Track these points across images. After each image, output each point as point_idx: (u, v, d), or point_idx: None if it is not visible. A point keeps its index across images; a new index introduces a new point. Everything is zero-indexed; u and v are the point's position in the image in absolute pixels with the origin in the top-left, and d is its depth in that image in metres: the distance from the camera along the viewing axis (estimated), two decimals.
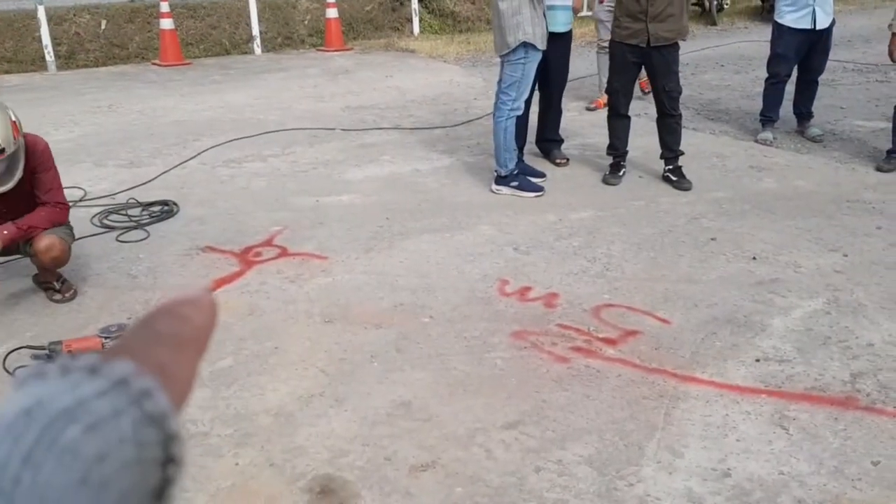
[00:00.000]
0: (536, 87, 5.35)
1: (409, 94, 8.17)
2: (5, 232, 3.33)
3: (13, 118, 3.30)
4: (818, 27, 5.69)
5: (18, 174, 3.33)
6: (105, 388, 0.23)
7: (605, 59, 6.44)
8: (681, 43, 5.01)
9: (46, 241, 3.41)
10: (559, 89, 5.65)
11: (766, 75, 6.12)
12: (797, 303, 3.52)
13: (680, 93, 5.06)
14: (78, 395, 0.23)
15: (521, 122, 5.14)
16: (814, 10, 5.65)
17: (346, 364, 3.09)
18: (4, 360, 3.06)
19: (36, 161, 3.41)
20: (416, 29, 12.33)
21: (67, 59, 10.16)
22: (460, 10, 12.99)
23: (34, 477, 0.21)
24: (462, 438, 2.63)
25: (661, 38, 4.85)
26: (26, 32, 10.27)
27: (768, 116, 6.14)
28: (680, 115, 5.10)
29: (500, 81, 4.97)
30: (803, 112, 6.21)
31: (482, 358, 3.11)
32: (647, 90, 6.69)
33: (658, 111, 5.16)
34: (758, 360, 3.06)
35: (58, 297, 3.61)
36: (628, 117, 5.26)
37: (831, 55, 6.14)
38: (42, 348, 3.10)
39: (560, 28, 5.26)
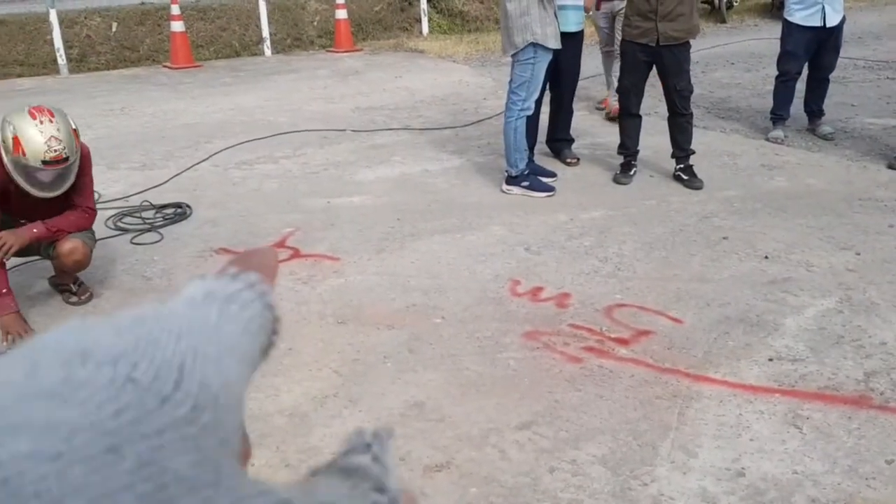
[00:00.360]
0: (547, 87, 5.35)
1: (418, 94, 8.18)
2: (35, 230, 3.36)
3: (73, 125, 3.33)
4: (828, 25, 5.67)
5: (71, 180, 3.36)
6: (244, 287, 0.37)
7: (609, 60, 6.64)
8: (691, 41, 5.01)
9: (70, 245, 3.44)
10: (570, 89, 5.65)
11: (776, 73, 6.11)
12: (810, 302, 3.52)
13: (691, 92, 5.06)
14: (230, 288, 0.37)
15: (532, 121, 5.14)
16: (823, 7, 5.63)
17: (360, 365, 3.11)
18: None
19: (80, 165, 3.44)
20: (426, 29, 12.35)
21: (79, 62, 10.23)
22: (469, 9, 13.00)
23: (224, 326, 0.34)
24: (475, 439, 2.64)
25: (671, 37, 4.85)
26: (38, 35, 10.35)
27: (779, 114, 6.13)
28: (691, 114, 5.10)
29: (510, 81, 4.99)
30: (814, 110, 6.19)
31: (494, 358, 3.12)
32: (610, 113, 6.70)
33: (669, 110, 5.16)
34: (771, 360, 3.06)
35: (74, 299, 3.64)
36: (640, 116, 5.26)
37: (842, 52, 6.12)
38: None
39: (571, 28, 5.26)
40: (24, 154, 3.17)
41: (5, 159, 3.21)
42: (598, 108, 7.14)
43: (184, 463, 0.28)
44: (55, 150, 3.20)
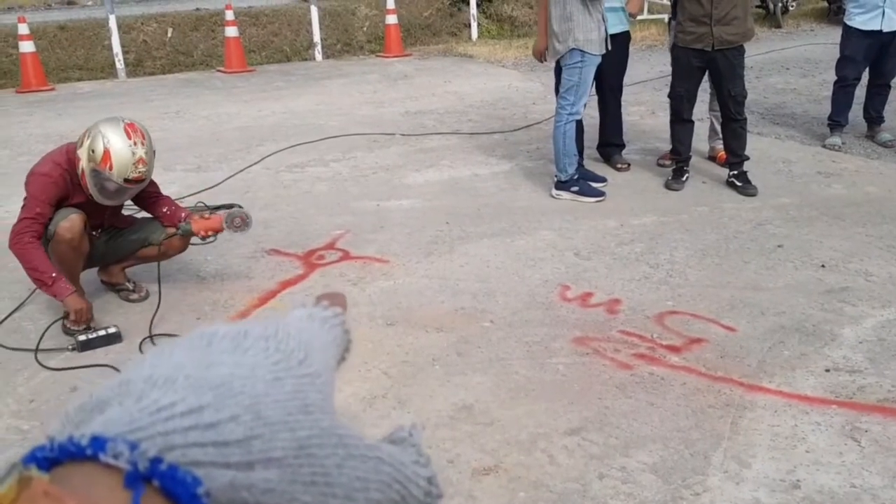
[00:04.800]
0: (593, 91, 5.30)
1: (467, 98, 8.20)
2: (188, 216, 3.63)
3: (154, 148, 3.43)
4: (888, 29, 5.53)
5: (133, 194, 3.48)
6: (332, 315, 0.56)
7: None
8: (745, 46, 4.92)
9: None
10: (616, 92, 5.60)
11: (833, 79, 5.98)
12: (868, 312, 3.43)
13: (745, 97, 4.97)
14: (324, 314, 0.57)
15: (580, 126, 5.11)
16: (883, 11, 5.50)
17: (409, 366, 3.12)
18: (80, 345, 3.26)
19: None
20: (475, 34, 12.37)
21: (136, 67, 10.48)
22: (518, 14, 13.00)
23: (322, 335, 0.52)
24: (524, 443, 2.63)
25: (726, 41, 4.78)
26: (96, 41, 10.65)
27: (836, 121, 5.99)
28: (745, 120, 5.01)
29: (559, 86, 4.97)
30: (874, 116, 6.04)
31: (544, 363, 3.11)
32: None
33: (722, 115, 5.08)
34: (827, 371, 2.98)
35: (135, 296, 3.74)
36: (692, 122, 5.19)
37: None
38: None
39: (614, 28, 5.21)
40: (110, 168, 3.22)
41: (84, 165, 3.27)
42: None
43: (317, 397, 0.43)
44: (139, 172, 3.27)
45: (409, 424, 0.55)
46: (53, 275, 3.25)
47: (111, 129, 3.26)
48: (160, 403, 0.35)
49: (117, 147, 3.22)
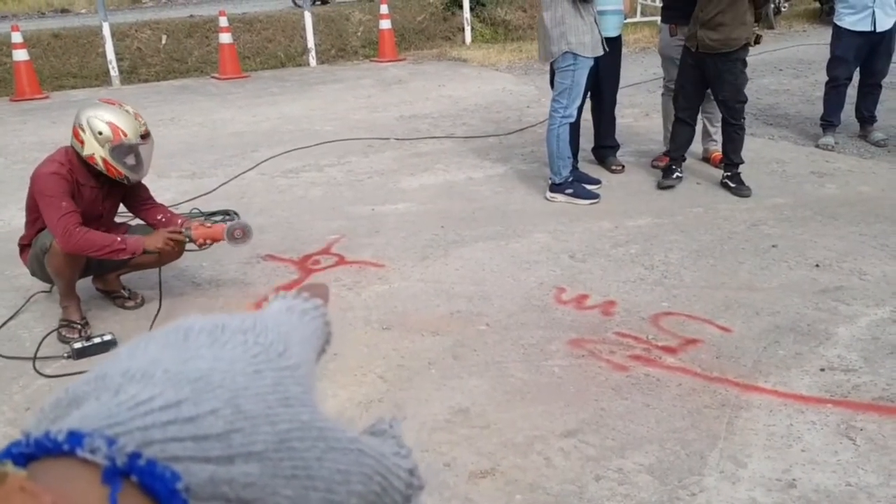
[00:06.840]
0: (588, 94, 5.31)
1: (461, 102, 8.21)
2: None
3: None
4: (879, 29, 5.57)
5: (147, 168, 3.51)
6: (312, 307, 0.55)
7: (671, 105, 5.40)
8: (742, 53, 4.86)
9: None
10: (611, 95, 5.61)
11: (826, 79, 6.00)
12: (863, 311, 3.44)
13: (740, 102, 4.90)
14: (304, 306, 0.55)
15: (573, 129, 5.12)
16: (873, 11, 5.52)
17: (404, 371, 3.12)
18: (76, 353, 3.26)
19: None
20: (468, 38, 12.40)
21: (130, 74, 10.49)
22: (512, 18, 13.02)
23: (301, 327, 0.51)
24: (521, 446, 2.63)
25: (708, 45, 4.77)
26: (90, 48, 10.65)
27: (829, 121, 6.01)
28: (740, 125, 4.96)
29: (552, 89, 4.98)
30: (866, 116, 6.06)
31: (539, 366, 3.11)
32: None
33: (721, 117, 5.09)
34: (822, 370, 2.99)
35: (130, 304, 3.74)
36: (689, 125, 5.14)
37: (895, 57, 5.98)
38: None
39: (611, 32, 5.23)
40: (125, 135, 3.33)
41: (100, 154, 3.32)
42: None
43: (297, 390, 0.42)
44: (143, 125, 3.43)
45: (389, 416, 0.54)
46: (119, 239, 3.33)
47: (97, 109, 3.36)
48: (138, 398, 0.35)
49: (115, 117, 3.34)
